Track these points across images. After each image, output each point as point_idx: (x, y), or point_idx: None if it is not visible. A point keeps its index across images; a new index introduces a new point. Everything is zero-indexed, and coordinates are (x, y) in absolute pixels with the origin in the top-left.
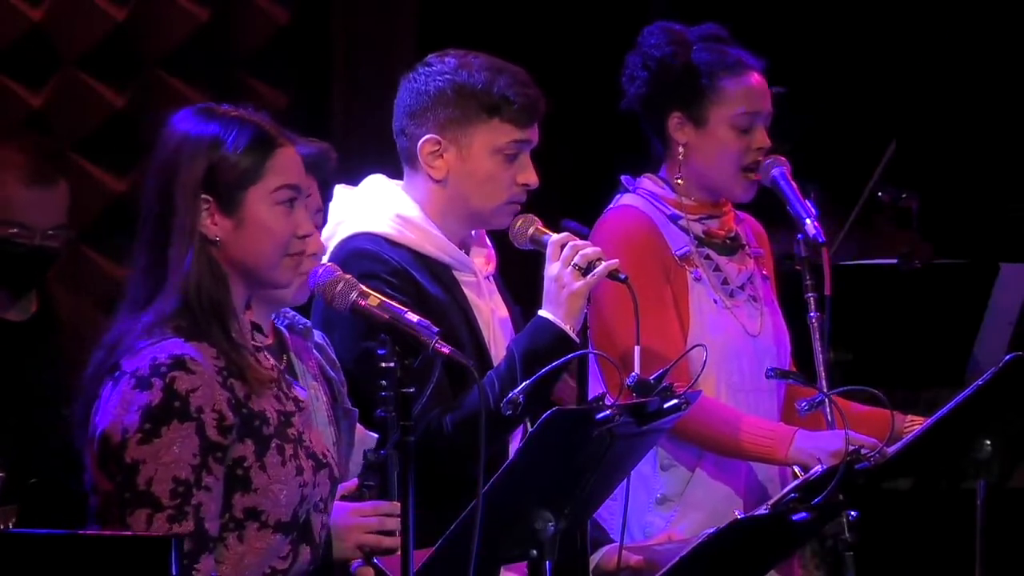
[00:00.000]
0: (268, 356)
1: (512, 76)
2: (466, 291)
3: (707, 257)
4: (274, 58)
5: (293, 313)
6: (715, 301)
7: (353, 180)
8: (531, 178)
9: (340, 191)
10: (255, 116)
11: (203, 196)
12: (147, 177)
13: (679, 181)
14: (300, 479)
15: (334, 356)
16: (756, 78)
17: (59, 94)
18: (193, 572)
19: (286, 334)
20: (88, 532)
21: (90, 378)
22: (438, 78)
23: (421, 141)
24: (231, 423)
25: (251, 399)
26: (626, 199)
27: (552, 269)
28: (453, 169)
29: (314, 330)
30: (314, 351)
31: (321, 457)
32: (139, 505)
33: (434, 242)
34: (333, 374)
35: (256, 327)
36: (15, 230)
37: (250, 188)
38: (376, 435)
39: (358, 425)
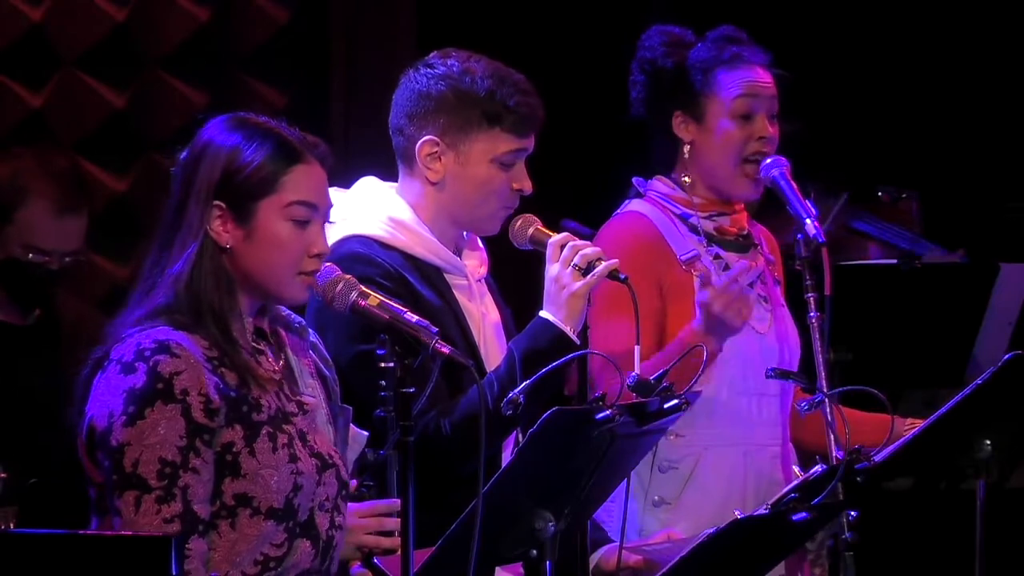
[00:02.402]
0: (271, 360)
1: (514, 85)
2: (457, 294)
3: (716, 256)
4: (274, 58)
5: (287, 312)
6: None
7: (353, 180)
8: (526, 184)
9: (332, 193)
10: (282, 128)
11: (216, 203)
12: (172, 181)
13: (686, 179)
14: (293, 467)
15: (327, 354)
16: (755, 70)
17: (59, 94)
18: (185, 552)
19: (282, 332)
20: (88, 532)
21: (84, 378)
22: (441, 82)
23: (420, 143)
24: (217, 406)
25: (243, 388)
26: (634, 205)
27: (552, 270)
28: (450, 172)
29: (308, 329)
30: (309, 350)
31: (327, 458)
32: (127, 487)
33: (425, 245)
34: (327, 372)
35: (260, 332)
36: (35, 255)
37: (263, 200)
38: (366, 432)
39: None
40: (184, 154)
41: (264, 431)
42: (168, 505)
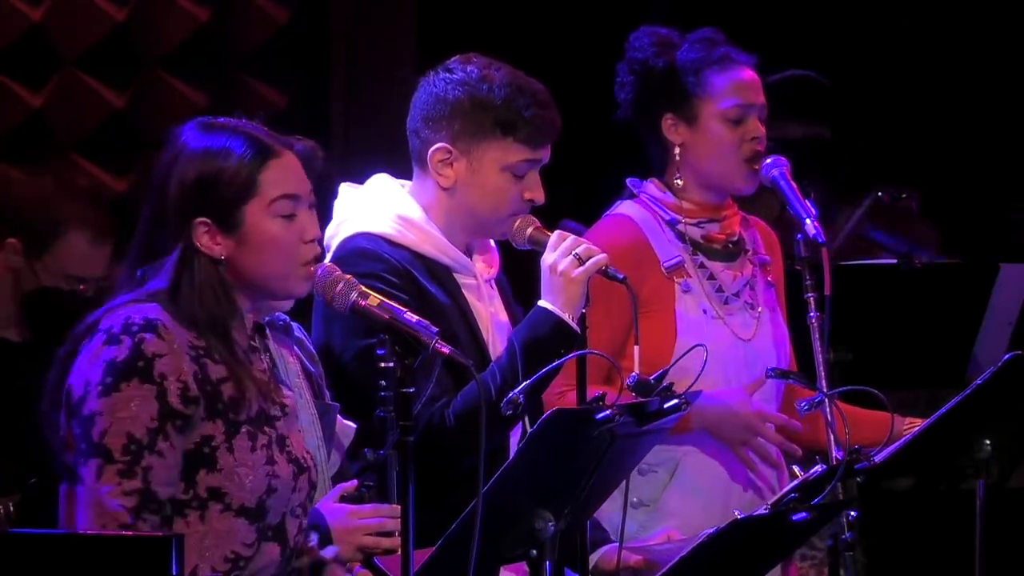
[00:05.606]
0: (262, 359)
1: (532, 96)
2: (466, 294)
3: (701, 265)
4: (274, 58)
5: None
6: (704, 311)
7: (352, 180)
8: (538, 195)
9: (345, 190)
10: (248, 127)
11: (201, 219)
12: (146, 188)
13: (678, 182)
14: (270, 469)
15: (313, 350)
16: (745, 71)
17: (59, 94)
18: (139, 522)
19: (267, 330)
20: (88, 532)
21: (65, 352)
22: (459, 87)
23: (432, 148)
24: (195, 395)
25: (224, 384)
26: (623, 207)
27: (549, 258)
28: (461, 179)
29: (293, 324)
30: (295, 346)
31: (303, 461)
32: (92, 455)
33: (434, 243)
34: (313, 368)
35: (260, 328)
36: (82, 286)
37: (247, 204)
38: (354, 424)
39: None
40: (157, 162)
41: (245, 430)
42: (128, 480)
